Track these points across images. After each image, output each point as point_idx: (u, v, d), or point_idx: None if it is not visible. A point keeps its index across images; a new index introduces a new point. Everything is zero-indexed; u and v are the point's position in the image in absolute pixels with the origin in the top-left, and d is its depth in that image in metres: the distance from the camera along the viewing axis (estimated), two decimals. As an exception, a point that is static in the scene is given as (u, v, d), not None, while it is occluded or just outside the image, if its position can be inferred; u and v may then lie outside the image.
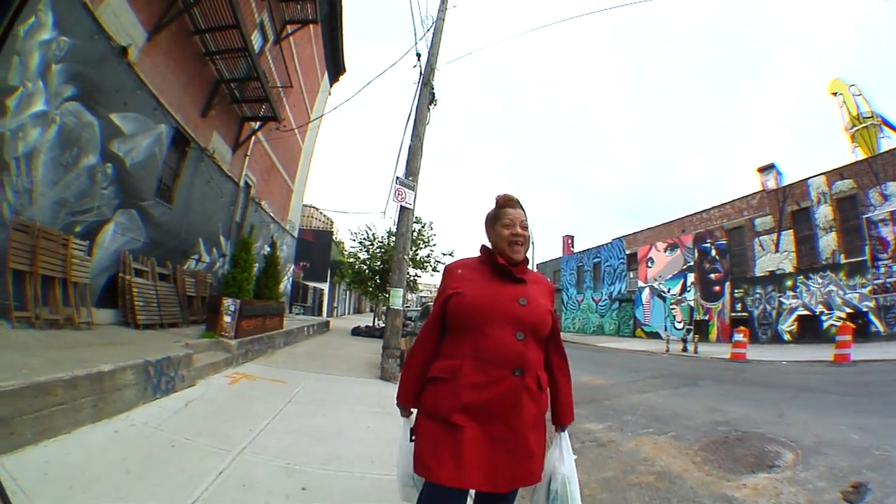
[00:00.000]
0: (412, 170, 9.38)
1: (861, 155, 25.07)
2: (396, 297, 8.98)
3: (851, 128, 29.46)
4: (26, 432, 3.16)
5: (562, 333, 2.24)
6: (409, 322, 11.41)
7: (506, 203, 2.09)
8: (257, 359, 8.79)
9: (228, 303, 8.24)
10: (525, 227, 2.04)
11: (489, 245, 2.12)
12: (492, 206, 2.17)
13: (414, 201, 9.31)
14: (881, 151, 21.25)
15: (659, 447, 4.63)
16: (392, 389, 7.35)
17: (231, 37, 9.18)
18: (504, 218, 2.05)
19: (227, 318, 8.16)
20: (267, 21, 12.04)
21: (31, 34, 5.14)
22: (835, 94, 31.51)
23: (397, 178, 9.19)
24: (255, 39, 9.82)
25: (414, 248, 19.98)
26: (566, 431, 2.08)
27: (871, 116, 28.57)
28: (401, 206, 9.17)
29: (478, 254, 2.16)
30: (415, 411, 2.11)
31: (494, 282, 1.99)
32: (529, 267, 2.14)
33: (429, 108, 9.80)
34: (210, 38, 9.21)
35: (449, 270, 2.15)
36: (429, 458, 1.85)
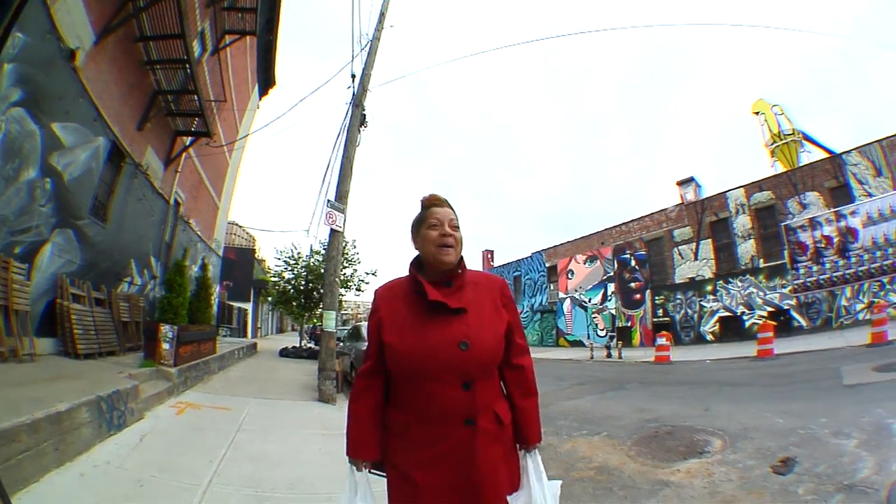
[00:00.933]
0: (342, 192, 9.07)
1: (781, 169, 27.24)
2: (329, 320, 8.73)
3: (772, 144, 32.13)
4: None
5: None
6: (339, 342, 11.22)
7: (431, 203, 1.82)
8: (196, 385, 8.37)
9: (166, 329, 7.68)
10: (455, 227, 1.77)
11: (419, 255, 1.82)
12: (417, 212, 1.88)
13: (344, 224, 9.05)
14: (801, 164, 23.19)
15: (594, 446, 4.77)
16: (332, 411, 7.51)
17: (174, 46, 8.55)
18: (430, 219, 1.76)
19: (165, 346, 7.60)
20: (208, 30, 11.32)
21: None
22: (757, 113, 34.26)
23: (328, 201, 8.89)
24: (195, 49, 9.14)
25: (337, 268, 19.25)
26: (535, 454, 1.78)
27: (793, 133, 31.25)
28: (331, 228, 8.86)
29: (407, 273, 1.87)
30: (363, 468, 1.78)
31: (427, 322, 1.70)
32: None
33: (359, 131, 9.52)
34: (154, 46, 8.50)
35: (375, 303, 1.86)
36: None
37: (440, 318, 1.67)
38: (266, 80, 20.33)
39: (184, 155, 12.21)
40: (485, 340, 1.66)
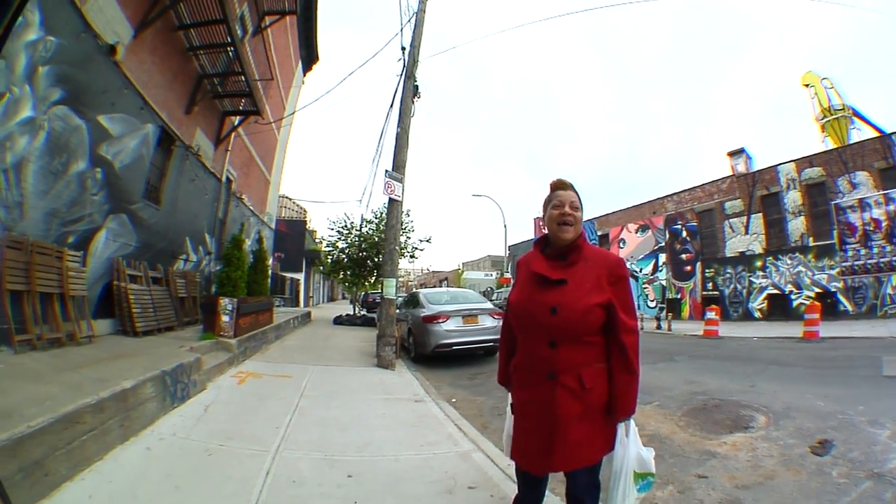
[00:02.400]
0: (399, 162, 8.95)
1: (831, 145, 25.26)
2: (390, 287, 8.72)
3: (822, 119, 29.84)
4: (60, 469, 2.74)
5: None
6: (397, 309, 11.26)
7: (556, 186, 2.05)
8: (255, 355, 8.37)
9: (225, 302, 7.73)
10: (575, 208, 1.98)
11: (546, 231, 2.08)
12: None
13: (402, 193, 8.92)
14: (851, 142, 21.39)
15: (646, 415, 4.79)
16: (392, 377, 7.33)
17: (216, 31, 8.40)
18: (554, 200, 2.00)
19: (224, 318, 7.67)
20: (247, 13, 11.11)
21: (18, 35, 4.33)
22: (807, 85, 31.75)
23: (386, 171, 8.78)
24: (237, 31, 8.97)
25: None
26: (627, 424, 1.95)
27: (843, 109, 28.93)
28: (390, 198, 8.77)
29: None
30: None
31: (534, 286, 1.99)
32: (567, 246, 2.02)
33: (413, 101, 9.31)
34: (195, 32, 8.36)
35: (516, 266, 2.22)
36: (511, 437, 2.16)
37: (544, 286, 1.94)
38: (309, 57, 20.01)
39: (233, 134, 12.18)
40: (574, 310, 1.84)
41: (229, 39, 8.59)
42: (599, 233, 29.61)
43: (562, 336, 1.87)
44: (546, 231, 2.06)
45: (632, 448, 1.94)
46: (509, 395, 2.25)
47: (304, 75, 20.40)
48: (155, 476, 3.02)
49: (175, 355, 5.41)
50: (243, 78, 9.98)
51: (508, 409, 2.25)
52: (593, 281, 1.89)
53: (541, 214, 2.14)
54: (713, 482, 3.14)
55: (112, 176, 6.71)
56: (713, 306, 14.69)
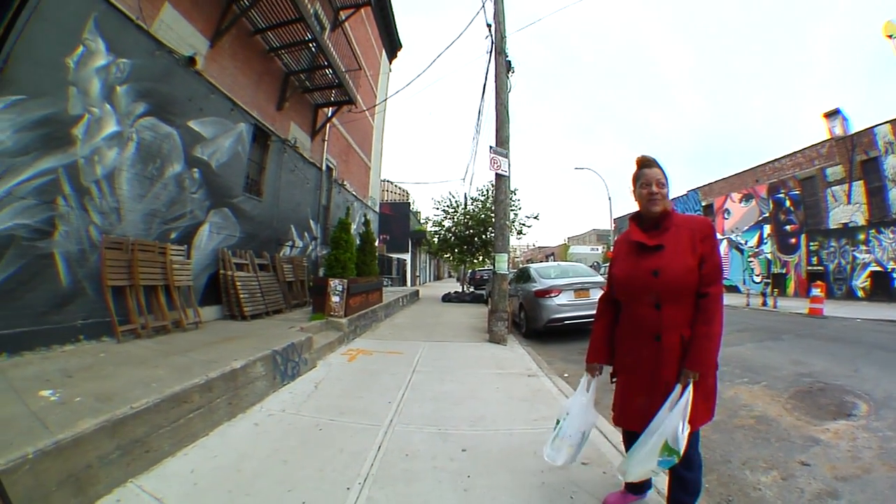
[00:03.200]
0: (502, 138, 8.77)
1: None
2: (502, 262, 8.61)
3: None
4: (163, 445, 2.87)
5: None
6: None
7: (642, 164, 2.18)
8: (364, 334, 8.68)
9: (335, 283, 8.08)
10: (661, 185, 2.12)
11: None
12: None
13: (509, 168, 8.73)
14: None
15: (754, 395, 4.78)
16: (504, 352, 7.17)
17: (293, 30, 8.62)
18: (642, 178, 2.16)
19: (334, 298, 8.03)
20: (321, 10, 11.35)
21: (83, 63, 4.72)
22: (890, 36, 26.57)
23: (490, 147, 8.67)
24: (315, 27, 9.18)
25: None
26: (689, 386, 1.93)
27: None
28: (497, 174, 8.67)
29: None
30: (594, 376, 2.42)
31: (634, 256, 2.15)
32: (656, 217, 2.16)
33: (507, 76, 9.05)
34: (272, 35, 8.67)
35: (615, 245, 2.42)
36: (613, 406, 2.31)
37: (643, 253, 2.11)
38: (391, 45, 20.06)
39: (328, 125, 12.63)
40: (674, 270, 1.99)
41: (309, 36, 8.80)
42: (704, 203, 27.34)
43: (666, 296, 2.00)
44: (638, 206, 2.20)
45: (675, 416, 1.91)
46: (587, 377, 2.43)
47: (390, 63, 20.53)
48: (262, 451, 3.09)
49: (285, 335, 5.67)
50: (330, 70, 10.26)
51: (582, 382, 2.46)
52: (687, 243, 2.03)
53: (631, 189, 2.27)
54: (814, 471, 3.05)
55: (210, 174, 7.22)
56: (818, 283, 13.23)
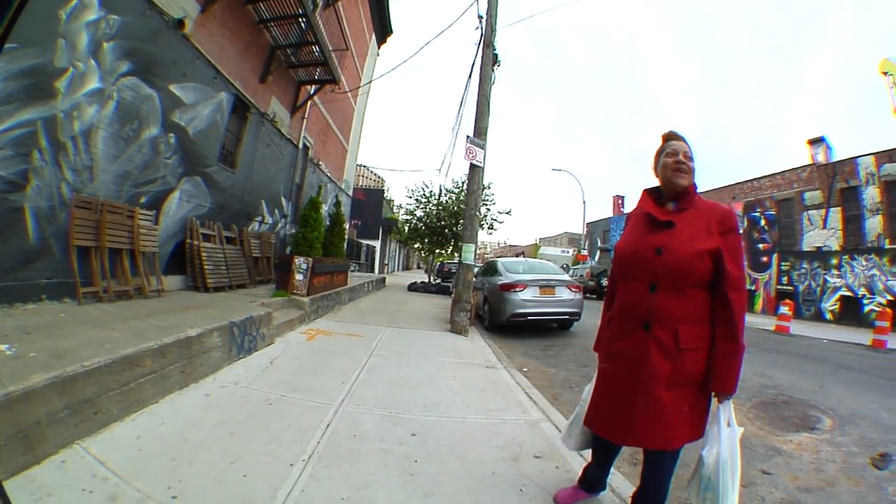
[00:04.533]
0: (480, 129, 8.96)
1: None
2: (468, 253, 8.76)
3: None
4: (112, 408, 2.87)
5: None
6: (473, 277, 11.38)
7: (669, 137, 2.03)
8: (327, 315, 8.71)
9: (300, 261, 8.06)
10: (689, 157, 1.96)
11: (657, 181, 2.06)
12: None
13: (484, 160, 8.93)
14: None
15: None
16: (465, 342, 7.34)
17: (285, 2, 8.56)
18: (668, 149, 1.99)
19: (298, 277, 8.02)
20: (316, -15, 11.27)
21: (75, 16, 4.65)
22: (885, 73, 27.90)
23: (468, 136, 8.81)
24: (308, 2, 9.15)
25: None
26: (728, 405, 1.82)
27: None
28: (471, 163, 8.81)
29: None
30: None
31: (641, 230, 1.97)
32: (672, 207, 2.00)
33: (493, 69, 9.23)
34: (264, 6, 8.60)
35: (626, 219, 2.18)
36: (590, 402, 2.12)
37: (652, 228, 1.92)
38: (382, 29, 19.99)
39: (309, 103, 12.54)
40: (679, 251, 1.79)
41: (300, 11, 8.77)
42: None
43: (663, 279, 1.81)
44: (660, 180, 2.04)
45: (734, 438, 1.79)
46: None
47: (379, 48, 20.46)
48: (210, 422, 3.09)
49: (245, 309, 5.66)
50: (316, 48, 10.21)
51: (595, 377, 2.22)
52: (703, 227, 1.84)
53: (652, 165, 2.11)
54: (776, 480, 3.12)
55: (186, 141, 7.14)
56: (787, 301, 13.98)
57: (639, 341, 1.83)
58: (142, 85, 5.90)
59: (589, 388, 2.26)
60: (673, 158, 1.95)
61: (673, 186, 1.95)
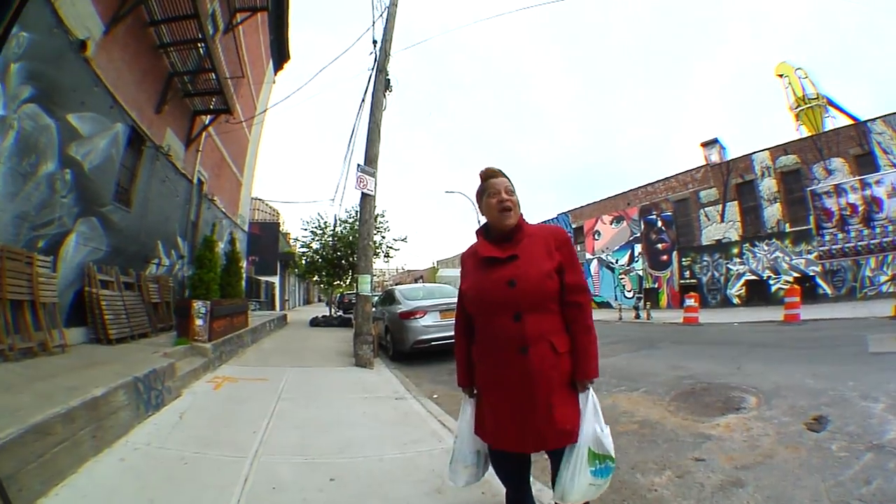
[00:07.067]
0: (371, 156, 8.90)
1: (806, 133, 26.16)
2: (365, 284, 8.65)
3: (797, 108, 30.70)
4: (34, 484, 2.64)
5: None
6: (373, 307, 11.25)
7: (488, 175, 2.12)
8: (231, 360, 8.21)
9: (199, 305, 7.52)
10: (511, 192, 2.06)
11: (485, 220, 2.16)
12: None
13: (375, 188, 8.90)
14: (826, 130, 22.28)
15: (634, 401, 4.90)
16: (371, 375, 7.31)
17: (186, 27, 8.25)
18: (490, 189, 2.07)
19: (198, 322, 7.45)
20: (218, 10, 10.93)
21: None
22: (781, 75, 32.57)
23: (358, 165, 8.75)
24: (209, 28, 8.83)
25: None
26: (589, 392, 1.99)
27: (817, 97, 29.84)
28: (362, 193, 8.75)
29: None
30: (472, 397, 2.28)
31: (487, 269, 2.03)
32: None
33: (385, 95, 9.31)
34: (166, 29, 8.19)
35: (461, 261, 2.27)
36: (478, 425, 2.14)
37: (495, 266, 1.99)
38: (280, 55, 19.77)
39: (204, 134, 11.99)
40: (530, 278, 1.91)
41: (200, 35, 8.46)
42: (574, 225, 30.02)
43: (525, 306, 1.91)
44: (488, 219, 2.12)
45: (588, 423, 1.93)
46: (467, 399, 2.29)
47: (276, 74, 20.16)
48: (129, 489, 2.94)
49: (148, 361, 5.30)
50: (214, 75, 9.86)
51: (464, 404, 2.31)
52: (542, 250, 1.98)
53: (476, 205, 2.20)
54: (711, 464, 3.17)
55: (82, 177, 6.52)
56: (692, 293, 14.92)
57: (521, 363, 1.90)
58: (42, 114, 5.34)
59: (464, 426, 2.29)
60: (496, 198, 2.03)
61: (502, 227, 2.04)
